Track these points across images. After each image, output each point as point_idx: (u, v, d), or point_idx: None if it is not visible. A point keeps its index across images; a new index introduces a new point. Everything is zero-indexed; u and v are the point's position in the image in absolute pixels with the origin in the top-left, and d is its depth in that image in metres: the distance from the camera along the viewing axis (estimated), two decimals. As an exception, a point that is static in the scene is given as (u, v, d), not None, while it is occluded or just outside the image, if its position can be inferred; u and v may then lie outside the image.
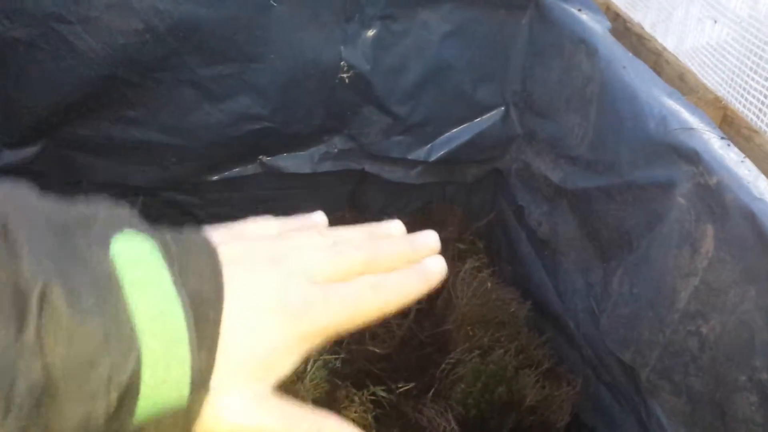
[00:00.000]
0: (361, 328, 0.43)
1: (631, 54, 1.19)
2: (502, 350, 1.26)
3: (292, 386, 1.27)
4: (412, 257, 0.47)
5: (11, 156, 1.39)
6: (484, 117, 1.51)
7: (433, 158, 1.54)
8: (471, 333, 1.33)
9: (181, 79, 1.36)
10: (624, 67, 1.16)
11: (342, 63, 1.39)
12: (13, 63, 1.26)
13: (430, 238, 0.49)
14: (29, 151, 1.40)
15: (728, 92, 1.12)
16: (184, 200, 1.55)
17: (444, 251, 1.44)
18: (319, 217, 0.51)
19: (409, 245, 0.48)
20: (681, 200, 1.01)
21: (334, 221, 1.69)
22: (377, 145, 1.53)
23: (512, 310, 1.38)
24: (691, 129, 1.01)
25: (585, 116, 1.25)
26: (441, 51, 1.40)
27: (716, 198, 0.94)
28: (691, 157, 0.99)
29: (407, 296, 0.45)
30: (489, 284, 1.37)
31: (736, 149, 0.96)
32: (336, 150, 1.54)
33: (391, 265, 0.46)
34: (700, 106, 1.07)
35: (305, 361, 1.29)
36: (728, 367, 0.95)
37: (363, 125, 1.50)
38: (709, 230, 0.96)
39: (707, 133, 1.00)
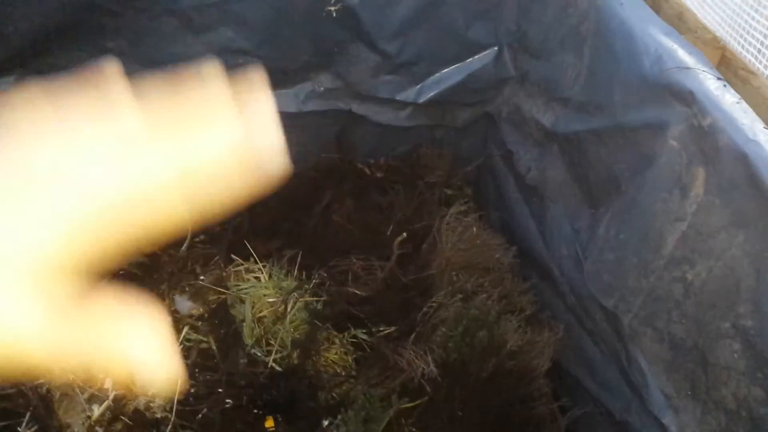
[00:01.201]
0: None
1: (629, -10, 1.13)
2: (485, 295, 1.25)
3: (272, 326, 1.25)
4: None
5: (-15, 86, 1.34)
6: (476, 57, 1.46)
7: (422, 99, 1.49)
8: (455, 278, 1.32)
9: (163, 8, 1.30)
10: (621, 4, 1.11)
11: (329, -5, 1.33)
12: (-18, -14, 1.20)
13: None
14: (3, 81, 1.35)
15: (727, 32, 1.07)
16: (165, 137, 1.51)
17: (431, 195, 1.41)
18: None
19: None
20: (673, 142, 0.98)
21: (321, 163, 1.63)
22: (365, 84, 1.48)
23: (497, 256, 1.36)
24: (687, 68, 0.97)
25: (579, 56, 1.21)
26: (432, -15, 1.34)
27: (709, 140, 0.90)
28: (686, 98, 0.95)
29: None
30: (475, 229, 1.35)
31: (732, 90, 0.92)
32: (322, 88, 1.50)
33: None
34: (698, 46, 1.03)
35: (284, 303, 1.27)
36: (712, 314, 0.93)
37: (351, 63, 1.45)
38: (700, 173, 0.93)
39: (703, 73, 0.96)
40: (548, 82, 1.31)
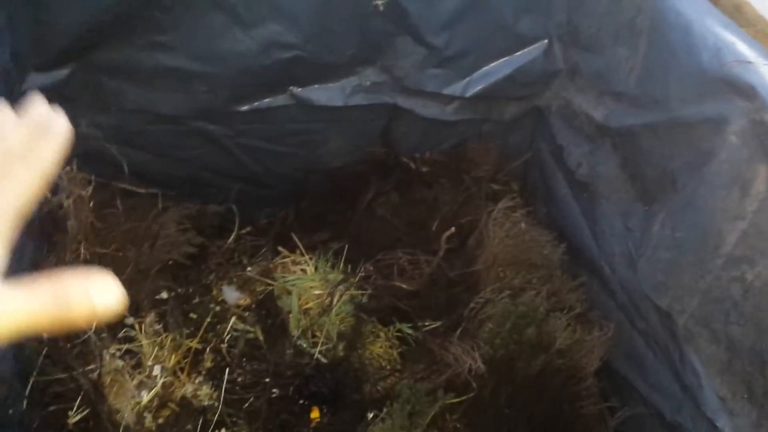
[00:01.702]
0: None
1: (686, -18, 1.10)
2: (533, 292, 1.23)
3: (317, 318, 1.26)
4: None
5: (41, 79, 1.37)
6: (525, 50, 1.44)
7: (469, 93, 1.48)
8: (502, 274, 1.30)
9: (212, 3, 1.32)
10: (679, -4, 1.08)
11: (377, -12, 1.32)
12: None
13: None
14: (58, 74, 1.38)
15: (791, 24, 1.03)
16: (213, 130, 1.52)
17: (477, 190, 1.38)
18: None
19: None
20: (733, 138, 0.95)
21: (366, 157, 1.62)
22: (411, 78, 1.47)
23: (546, 252, 1.34)
24: (748, 62, 0.94)
25: (633, 49, 1.18)
26: (482, -23, 1.32)
27: (773, 135, 0.88)
28: (747, 92, 0.92)
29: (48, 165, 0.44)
30: (523, 225, 1.33)
31: (797, 84, 0.89)
32: (368, 82, 1.49)
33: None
34: (758, 39, 1.00)
35: (331, 295, 1.28)
36: (773, 316, 0.90)
37: (397, 56, 1.44)
38: (762, 170, 0.90)
39: (765, 67, 0.93)
40: (600, 75, 1.29)
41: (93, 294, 0.44)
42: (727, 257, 0.95)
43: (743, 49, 0.96)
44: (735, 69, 0.95)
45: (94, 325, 1.23)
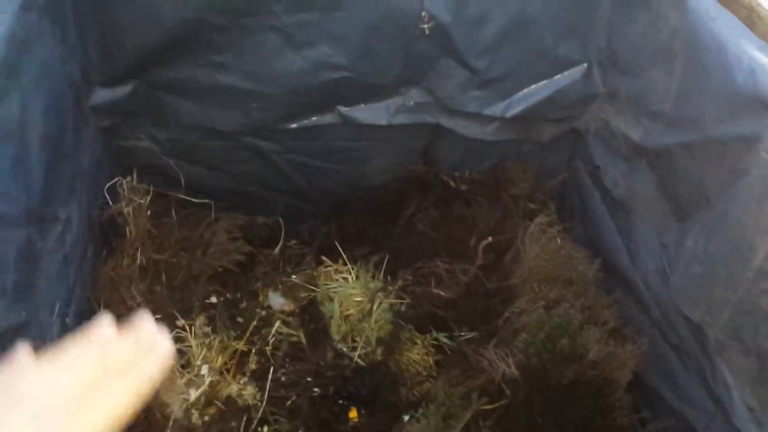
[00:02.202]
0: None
1: (721, 6, 1.14)
2: (567, 305, 1.26)
3: (357, 324, 1.31)
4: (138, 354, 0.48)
5: (106, 95, 1.47)
6: (565, 74, 1.48)
7: (509, 114, 1.53)
8: (537, 288, 1.33)
9: (267, 25, 1.40)
10: (713, 20, 1.12)
11: (423, 13, 1.39)
12: (110, 3, 1.32)
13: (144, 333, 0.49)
14: (122, 90, 1.48)
15: (825, 47, 1.06)
16: (264, 146, 1.60)
17: (515, 208, 1.45)
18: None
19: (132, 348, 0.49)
20: (764, 155, 0.98)
21: (407, 174, 1.68)
22: (453, 99, 1.53)
23: (581, 268, 1.37)
24: (781, 81, 0.97)
25: (670, 71, 1.22)
26: (524, 3, 1.38)
27: (802, 152, 0.90)
28: (779, 111, 0.95)
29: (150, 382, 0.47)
30: (558, 241, 1.36)
31: (827, 103, 0.92)
32: (412, 102, 1.55)
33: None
34: (793, 62, 1.03)
35: (371, 302, 1.33)
36: (802, 328, 0.92)
37: (440, 78, 1.50)
38: (793, 186, 0.93)
39: (797, 86, 0.96)
40: (638, 97, 1.32)
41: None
42: (757, 270, 0.97)
43: (776, 70, 0.99)
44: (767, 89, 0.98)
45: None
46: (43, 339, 1.12)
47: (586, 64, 1.47)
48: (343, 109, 1.56)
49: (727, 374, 1.02)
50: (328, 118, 1.57)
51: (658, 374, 1.23)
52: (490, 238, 1.32)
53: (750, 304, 0.98)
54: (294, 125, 1.58)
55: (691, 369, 1.14)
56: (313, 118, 1.58)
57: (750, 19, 1.21)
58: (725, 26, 1.10)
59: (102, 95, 1.46)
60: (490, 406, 1.16)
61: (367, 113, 1.57)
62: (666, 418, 1.20)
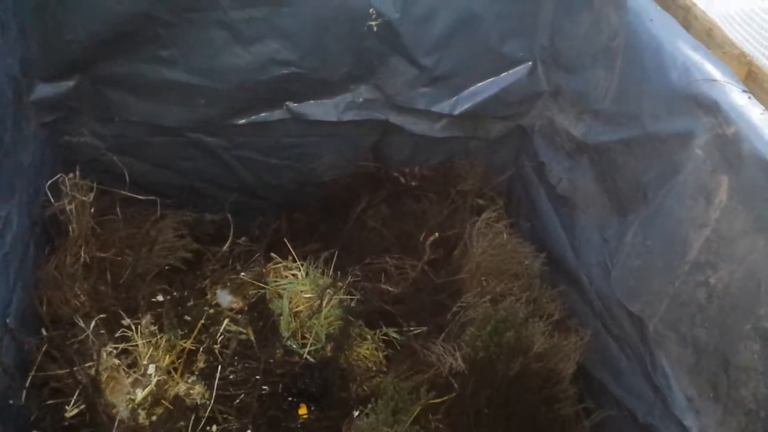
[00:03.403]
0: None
1: (659, 7, 1.18)
2: (513, 299, 1.28)
3: (307, 321, 1.31)
4: None
5: (48, 90, 1.43)
6: (510, 72, 1.51)
7: (457, 111, 1.55)
8: (484, 283, 1.36)
9: (213, 20, 1.39)
10: (651, 20, 1.15)
11: (371, 10, 1.40)
12: (51, -4, 1.29)
13: None
14: (65, 85, 1.44)
15: (755, 48, 1.11)
16: (211, 142, 1.59)
17: (463, 204, 1.47)
18: None
19: None
20: (698, 151, 1.02)
21: (357, 170, 1.69)
22: (402, 96, 1.54)
23: (526, 262, 1.40)
24: (713, 80, 1.01)
25: (610, 70, 1.25)
26: (470, 2, 1.40)
27: (733, 148, 0.94)
28: (711, 108, 0.99)
29: None
30: (505, 236, 1.39)
31: (756, 101, 0.96)
32: (361, 99, 1.56)
33: None
34: (725, 61, 1.07)
35: (320, 298, 1.33)
36: (734, 317, 0.96)
37: (389, 75, 1.51)
38: (724, 180, 0.97)
39: (729, 84, 1.00)
40: (580, 95, 1.36)
41: None
42: (692, 263, 1.01)
43: (709, 68, 1.03)
44: (701, 86, 1.02)
45: (92, 325, 1.28)
46: (-20, 341, 1.09)
47: (531, 63, 1.50)
48: (292, 105, 1.56)
49: (666, 364, 1.06)
50: (277, 114, 1.57)
51: (602, 365, 1.27)
52: (437, 234, 1.34)
53: (686, 295, 1.02)
54: (242, 121, 1.57)
55: (632, 359, 1.17)
56: (262, 114, 1.57)
57: (687, 19, 1.25)
58: (662, 26, 1.14)
59: (44, 90, 1.42)
60: (438, 400, 1.17)
61: (317, 109, 1.57)
62: (609, 408, 1.23)
